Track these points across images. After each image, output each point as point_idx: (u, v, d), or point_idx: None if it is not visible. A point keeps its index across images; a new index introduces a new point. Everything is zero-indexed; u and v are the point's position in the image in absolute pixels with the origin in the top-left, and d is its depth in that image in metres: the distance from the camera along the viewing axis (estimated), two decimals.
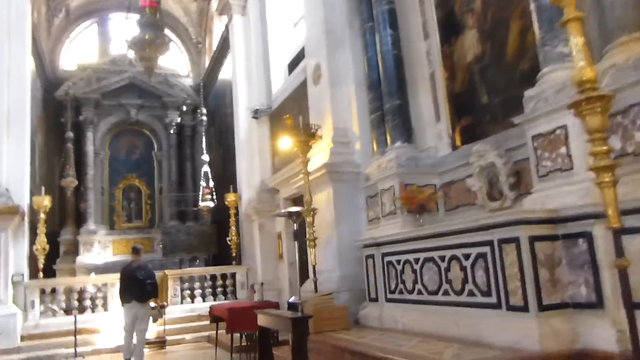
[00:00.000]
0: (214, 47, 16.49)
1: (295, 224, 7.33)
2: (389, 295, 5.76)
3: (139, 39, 7.76)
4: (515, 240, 3.84)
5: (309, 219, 6.90)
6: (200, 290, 11.14)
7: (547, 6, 4.22)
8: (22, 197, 9.79)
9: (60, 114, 16.38)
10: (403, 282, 5.44)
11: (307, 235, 6.89)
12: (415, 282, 5.21)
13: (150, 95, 17.56)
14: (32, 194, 10.63)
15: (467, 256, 4.41)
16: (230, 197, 11.99)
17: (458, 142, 6.35)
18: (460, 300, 4.54)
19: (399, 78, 6.69)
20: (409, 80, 6.81)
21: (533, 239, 3.78)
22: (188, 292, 11.07)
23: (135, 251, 7.88)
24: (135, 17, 8.56)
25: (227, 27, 13.61)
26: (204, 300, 10.99)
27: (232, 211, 11.99)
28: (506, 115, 5.51)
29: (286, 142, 7.81)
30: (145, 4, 7.79)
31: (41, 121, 14.85)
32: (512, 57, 5.48)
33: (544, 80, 4.19)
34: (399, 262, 5.48)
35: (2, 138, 9.69)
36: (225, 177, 14.36)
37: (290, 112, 9.13)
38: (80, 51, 18.50)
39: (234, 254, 11.92)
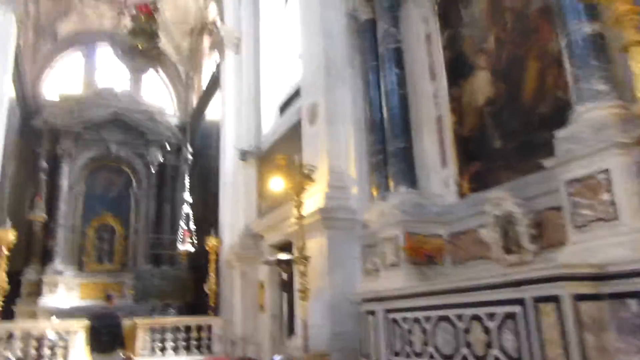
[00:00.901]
0: (203, 87, 16.16)
1: (284, 273, 6.70)
2: (393, 359, 5.07)
3: (131, 47, 7.16)
4: (555, 299, 3.28)
5: (301, 268, 6.27)
6: (172, 343, 10.19)
7: (581, 42, 3.85)
8: None
9: (36, 144, 15.60)
10: (410, 343, 4.79)
11: (299, 286, 6.23)
12: (425, 343, 4.57)
13: (133, 132, 16.97)
14: None
15: (491, 316, 3.82)
16: (211, 241, 11.25)
17: (466, 190, 5.87)
18: None
19: (404, 119, 6.27)
20: (414, 123, 6.40)
21: (577, 298, 3.23)
22: (159, 344, 10.10)
23: (108, 298, 7.38)
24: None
25: (218, 65, 13.29)
26: (175, 354, 10.04)
27: (212, 257, 11.22)
28: (522, 161, 5.09)
29: (278, 184, 7.28)
30: (141, 9, 7.31)
31: (15, 149, 14.09)
32: (530, 99, 5.10)
33: (579, 120, 3.76)
34: (405, 320, 4.84)
35: None
36: (206, 221, 13.62)
37: (281, 155, 8.63)
38: (64, 80, 17.97)
39: (211, 303, 11.05)
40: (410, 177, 6.07)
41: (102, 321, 7.11)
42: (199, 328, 10.59)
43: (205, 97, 15.64)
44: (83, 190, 16.71)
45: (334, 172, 7.30)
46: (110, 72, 18.42)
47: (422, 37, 6.67)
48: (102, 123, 16.71)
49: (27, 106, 15.55)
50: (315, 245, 6.92)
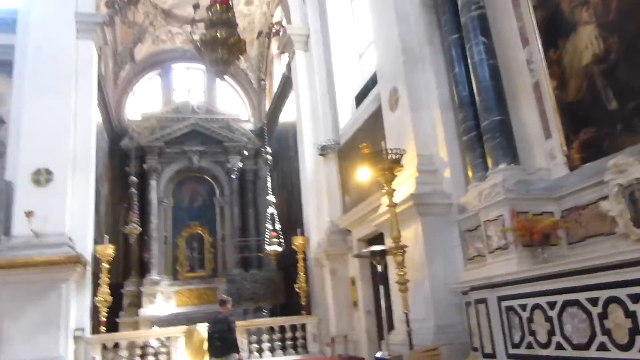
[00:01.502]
0: (274, 90, 16.25)
1: (379, 266, 6.40)
2: (511, 350, 4.62)
3: (210, 38, 7.10)
4: None
5: (397, 258, 5.94)
6: (268, 344, 10.21)
7: None
8: (85, 246, 9.41)
9: (125, 164, 16.42)
10: (533, 333, 4.31)
11: (396, 278, 5.91)
12: (551, 333, 4.09)
13: (211, 141, 17.42)
14: (95, 243, 10.27)
15: (636, 297, 3.30)
16: (297, 241, 11.18)
17: (577, 160, 5.27)
18: (628, 357, 3.39)
19: (497, 90, 5.77)
20: (507, 94, 5.88)
21: None
22: (255, 345, 10.16)
23: (221, 303, 7.78)
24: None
25: (288, 65, 13.26)
26: (272, 355, 10.04)
27: (300, 256, 11.15)
28: None
29: (365, 174, 7.01)
30: (215, 1, 7.28)
31: (107, 171, 14.87)
32: None
33: None
34: (524, 307, 4.38)
35: (67, 186, 9.43)
36: (290, 221, 13.64)
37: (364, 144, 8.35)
38: (144, 101, 18.81)
39: (303, 303, 10.98)
40: (510, 151, 5.56)
41: (215, 326, 7.25)
42: (294, 328, 10.54)
43: (278, 99, 15.70)
44: (171, 202, 17.37)
45: (423, 156, 6.92)
46: (186, 87, 19.03)
47: (508, 1, 6.12)
48: (182, 137, 17.29)
49: (113, 129, 16.39)
50: (410, 235, 6.57)
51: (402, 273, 5.85)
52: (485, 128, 5.76)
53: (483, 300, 4.93)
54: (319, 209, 11.16)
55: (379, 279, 6.41)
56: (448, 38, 6.60)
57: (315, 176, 11.42)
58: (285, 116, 15.18)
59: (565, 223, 4.95)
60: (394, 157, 6.13)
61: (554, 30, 5.57)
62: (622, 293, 3.38)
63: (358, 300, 9.68)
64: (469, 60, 6.07)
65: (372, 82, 9.40)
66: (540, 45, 5.74)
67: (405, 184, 6.90)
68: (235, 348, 7.42)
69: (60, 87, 9.98)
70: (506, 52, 6.03)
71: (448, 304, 6.19)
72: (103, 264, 9.96)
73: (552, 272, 4.08)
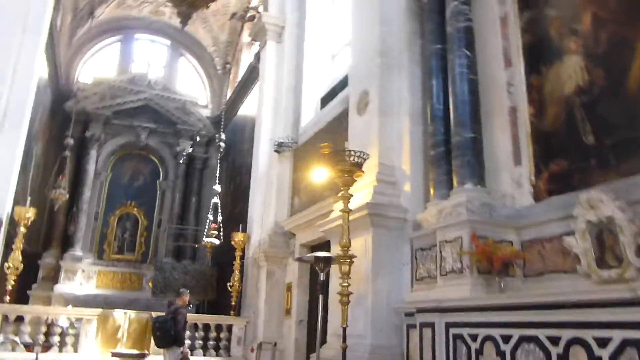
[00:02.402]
0: (239, 79, 15.65)
1: (322, 274, 5.96)
2: None
3: None
4: None
5: (343, 268, 5.51)
6: (188, 341, 9.51)
7: None
8: (2, 204, 8.46)
9: (65, 126, 15.26)
10: None
11: (338, 289, 5.48)
12: None
13: (164, 121, 16.55)
14: (17, 204, 9.31)
15: (602, 342, 3.01)
16: (237, 237, 10.61)
17: (543, 191, 5.06)
18: None
19: (473, 107, 5.51)
20: (482, 113, 5.63)
21: None
22: None
23: (178, 294, 7.77)
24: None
25: (257, 55, 12.73)
26: (190, 354, 9.35)
27: (238, 253, 10.56)
28: (624, 160, 4.29)
29: (321, 174, 6.58)
30: None
31: (45, 130, 13.73)
32: (637, 87, 4.29)
33: None
34: (474, 337, 4.05)
35: None
36: (233, 217, 13.03)
37: (320, 150, 7.96)
38: (98, 66, 17.69)
39: (233, 303, 10.38)
40: (478, 172, 5.30)
41: (161, 316, 7.33)
42: (219, 328, 9.93)
43: (241, 89, 15.11)
44: (109, 177, 16.32)
45: (385, 165, 6.57)
46: (147, 61, 18.08)
47: (496, 19, 5.91)
48: (133, 110, 16.36)
49: (59, 88, 15.23)
50: (359, 245, 6.18)
51: (346, 284, 5.43)
52: (455, 144, 5.47)
53: (430, 325, 4.58)
54: (266, 208, 10.64)
55: (319, 288, 5.95)
56: (430, 47, 6.32)
57: (267, 173, 10.90)
58: (246, 108, 14.62)
59: (526, 254, 4.69)
60: (356, 159, 5.74)
61: (539, 56, 5.38)
62: (587, 335, 3.09)
63: (291, 307, 9.20)
64: (449, 73, 5.80)
65: (341, 85, 9.06)
66: (522, 69, 5.54)
67: (362, 191, 6.52)
68: (177, 341, 7.15)
69: (3, 29, 9.04)
70: (487, 70, 5.80)
71: (388, 323, 5.83)
72: (20, 227, 9.01)
73: (510, 303, 3.78)
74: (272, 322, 9.46)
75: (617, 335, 2.91)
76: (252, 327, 9.86)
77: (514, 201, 5.28)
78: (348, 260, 5.49)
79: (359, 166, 5.77)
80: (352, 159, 5.73)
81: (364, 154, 5.71)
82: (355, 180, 5.84)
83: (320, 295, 6.10)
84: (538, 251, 4.76)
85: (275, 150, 10.47)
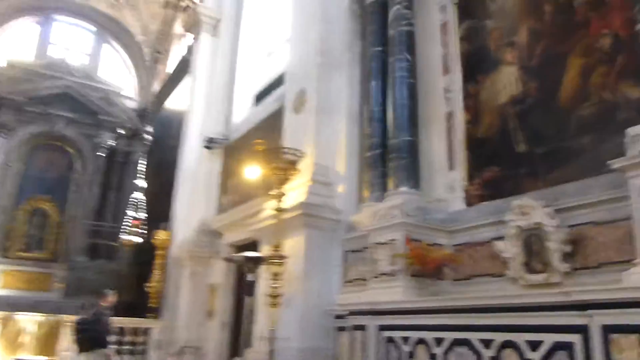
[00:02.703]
0: (168, 71, 14.99)
1: (251, 274, 5.74)
2: None
3: None
4: (638, 330, 2.53)
5: (275, 269, 5.32)
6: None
7: None
8: None
9: None
10: None
11: (268, 291, 5.28)
12: None
13: (84, 110, 15.48)
14: None
15: (534, 345, 3.03)
16: (160, 235, 10.07)
17: (475, 197, 5.16)
18: None
19: (411, 110, 5.52)
20: (420, 118, 5.66)
21: None
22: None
23: (100, 295, 7.35)
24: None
25: (190, 47, 12.23)
26: None
27: (159, 252, 10.02)
28: (554, 169, 4.44)
29: (254, 172, 6.34)
30: None
31: None
32: (568, 100, 4.46)
33: None
34: (406, 340, 3.99)
35: None
36: (156, 215, 12.38)
37: (253, 147, 7.72)
38: (13, 48, 16.28)
39: (152, 305, 9.82)
40: (414, 175, 5.30)
41: (82, 318, 6.93)
42: (135, 331, 9.34)
43: (170, 82, 14.46)
44: (19, 168, 15.02)
45: (320, 165, 6.45)
46: (66, 45, 16.89)
47: (437, 26, 5.99)
48: (50, 97, 15.17)
49: None
50: (291, 246, 5.99)
51: (276, 285, 5.24)
52: (392, 147, 5.45)
53: (361, 327, 4.48)
54: (192, 206, 10.18)
55: (247, 290, 5.73)
56: (370, 49, 6.29)
57: (194, 169, 10.45)
58: (175, 102, 14.01)
59: (457, 258, 4.73)
60: (292, 157, 5.58)
61: (476, 64, 5.50)
62: (519, 338, 3.10)
63: (215, 309, 8.84)
64: (389, 76, 5.78)
65: (277, 83, 8.88)
66: (460, 76, 5.64)
67: (295, 191, 6.35)
68: (103, 344, 6.79)
69: None
70: (426, 76, 5.85)
71: (318, 326, 5.69)
72: None
73: (444, 306, 3.75)
74: (193, 325, 9.03)
75: (548, 339, 2.94)
76: (172, 331, 9.37)
77: (448, 205, 5.33)
78: (279, 261, 5.31)
79: (294, 164, 5.63)
80: (287, 156, 5.58)
81: (299, 152, 5.58)
82: (290, 179, 5.69)
83: (248, 297, 5.89)
84: (468, 255, 4.82)
85: (205, 147, 10.06)
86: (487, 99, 5.30)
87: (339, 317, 5.33)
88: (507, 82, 5.11)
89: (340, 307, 5.02)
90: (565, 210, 4.01)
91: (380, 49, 6.18)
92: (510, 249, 4.30)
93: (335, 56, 6.88)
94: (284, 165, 5.54)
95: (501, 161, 4.96)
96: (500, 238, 4.46)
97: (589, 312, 2.72)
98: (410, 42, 5.72)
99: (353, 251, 5.69)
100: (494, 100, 5.19)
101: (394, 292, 4.61)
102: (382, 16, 6.28)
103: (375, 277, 5.02)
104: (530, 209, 4.17)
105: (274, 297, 5.23)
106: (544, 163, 4.53)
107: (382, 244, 5.06)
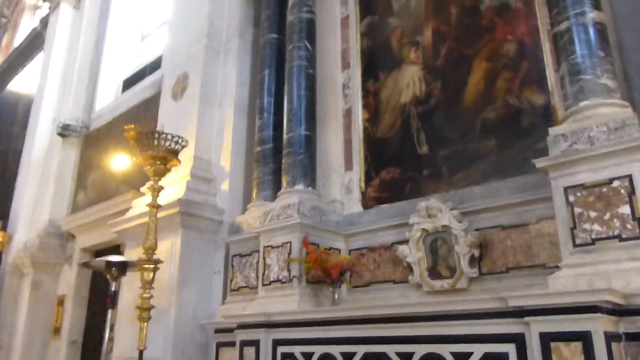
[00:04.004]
0: (14, 46, 12.89)
1: (114, 283, 4.84)
2: None
3: None
4: (581, 337, 2.33)
5: (146, 276, 4.49)
6: None
7: (587, 28, 3.19)
8: None
9: None
10: None
11: (140, 302, 4.42)
12: None
13: None
14: None
15: (462, 357, 2.73)
16: None
17: (373, 200, 4.89)
18: None
19: (310, 103, 5.08)
20: (318, 113, 5.25)
21: (609, 338, 2.33)
22: None
23: None
24: None
25: (45, 19, 10.55)
26: None
27: None
28: (457, 171, 4.32)
29: (123, 161, 5.40)
30: None
31: None
32: (472, 103, 4.38)
33: (585, 115, 3.03)
34: (309, 356, 3.48)
35: None
36: None
37: (120, 137, 6.72)
38: None
39: None
40: (311, 173, 4.85)
41: None
42: None
43: (16, 58, 12.41)
44: None
45: (201, 159, 5.75)
46: None
47: (337, 19, 5.69)
48: None
49: None
50: (164, 249, 5.16)
51: (148, 296, 4.41)
52: (288, 141, 4.95)
53: (252, 343, 3.87)
54: (38, 203, 8.64)
55: (109, 301, 4.79)
56: (265, 36, 5.76)
57: (44, 160, 8.91)
58: (20, 82, 12.05)
59: (361, 263, 4.38)
60: (173, 145, 4.81)
61: (377, 62, 5.27)
62: (444, 350, 2.78)
63: (63, 326, 7.50)
64: (286, 65, 5.29)
65: (153, 68, 7.94)
66: (359, 73, 5.38)
67: (171, 187, 5.56)
68: None
69: None
70: (325, 69, 5.48)
71: (194, 342, 4.97)
72: None
73: (353, 316, 3.33)
74: (34, 345, 7.55)
75: (478, 350, 2.66)
76: (7, 353, 7.76)
77: (344, 207, 4.99)
78: (152, 266, 4.50)
79: (175, 154, 4.86)
80: (167, 144, 4.79)
81: (183, 140, 4.83)
82: (169, 170, 4.91)
83: (108, 310, 4.96)
84: (367, 260, 4.51)
85: (60, 134, 8.63)
86: (388, 98, 5.08)
87: (221, 331, 4.67)
88: (410, 81, 4.94)
89: (225, 319, 4.37)
90: (472, 214, 3.88)
91: (275, 36, 5.70)
92: (415, 253, 4.07)
93: (223, 41, 6.26)
94: (163, 154, 4.74)
95: (402, 162, 4.75)
96: (402, 242, 4.22)
97: (526, 319, 2.47)
98: (311, 31, 5.30)
99: (240, 255, 5.07)
100: (396, 99, 5.00)
101: (288, 301, 4.10)
102: (279, 2, 5.82)
103: (266, 285, 4.47)
104: (437, 211, 3.98)
105: (144, 310, 4.39)
106: (447, 165, 4.40)
107: (275, 247, 4.53)
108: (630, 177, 2.72)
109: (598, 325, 2.30)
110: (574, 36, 3.21)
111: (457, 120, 4.44)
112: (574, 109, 3.11)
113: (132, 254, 5.36)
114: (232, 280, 5.08)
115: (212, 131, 5.91)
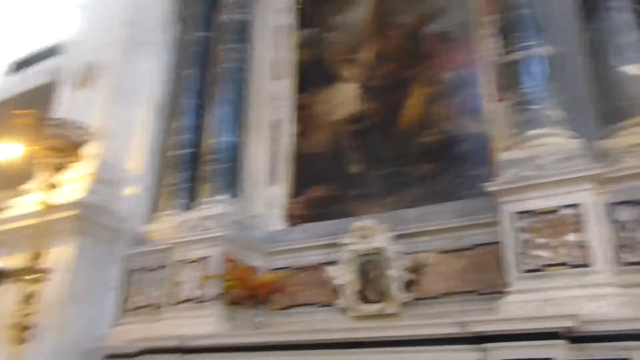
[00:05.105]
0: None
1: None
2: None
3: None
4: None
5: (30, 288, 3.79)
6: None
7: (536, 59, 3.27)
8: None
9: None
10: None
11: (17, 319, 3.69)
12: None
13: None
14: None
15: None
16: None
17: (298, 217, 4.63)
18: None
19: (238, 109, 4.74)
20: (245, 121, 4.91)
21: None
22: None
23: None
24: None
25: None
26: None
27: None
28: (390, 193, 4.22)
29: (13, 150, 4.58)
30: None
31: None
32: (409, 126, 4.35)
33: (534, 143, 3.06)
34: None
35: None
36: None
37: (3, 123, 5.82)
38: None
39: None
40: (236, 183, 4.48)
41: None
42: None
43: None
44: None
45: (106, 159, 5.09)
46: None
47: (272, 26, 5.44)
48: None
49: None
50: (53, 259, 4.43)
51: (29, 312, 3.70)
52: (213, 147, 4.54)
53: None
54: None
55: None
56: (194, 34, 5.34)
57: None
58: None
59: (286, 283, 4.04)
60: (76, 137, 4.20)
61: (312, 75, 5.11)
62: None
63: None
64: (216, 67, 4.92)
65: (53, 52, 7.05)
66: (292, 84, 5.16)
67: (66, 187, 4.83)
68: None
69: None
70: (256, 76, 5.16)
71: None
72: None
73: (287, 341, 3.00)
74: None
75: None
76: None
77: (267, 223, 4.65)
78: (40, 276, 3.81)
79: (75, 148, 4.26)
80: (69, 134, 4.18)
81: (88, 132, 4.24)
82: (67, 167, 4.28)
83: None
84: (290, 281, 4.19)
85: None
86: (321, 113, 4.91)
87: (115, 356, 4.04)
88: (345, 98, 4.81)
89: (124, 342, 3.78)
90: (407, 237, 3.76)
91: (205, 34, 5.31)
92: (344, 276, 3.84)
93: (144, 33, 5.70)
94: (63, 145, 4.11)
95: (332, 180, 4.56)
96: (329, 263, 3.99)
97: (484, 345, 2.33)
98: (245, 33, 5.01)
99: (144, 269, 4.49)
100: (329, 115, 4.84)
101: (203, 323, 3.64)
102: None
103: (176, 304, 3.96)
104: (372, 232, 3.81)
105: (22, 329, 3.66)
106: (381, 186, 4.28)
107: (191, 261, 4.06)
108: (578, 206, 2.75)
109: (559, 352, 2.22)
110: (523, 67, 3.28)
111: (393, 142, 4.37)
112: (521, 137, 3.14)
113: (8, 262, 4.53)
114: (129, 298, 4.46)
115: (123, 129, 5.28)
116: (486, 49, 4.03)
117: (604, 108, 3.09)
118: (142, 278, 4.51)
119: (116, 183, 5.08)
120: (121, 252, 4.73)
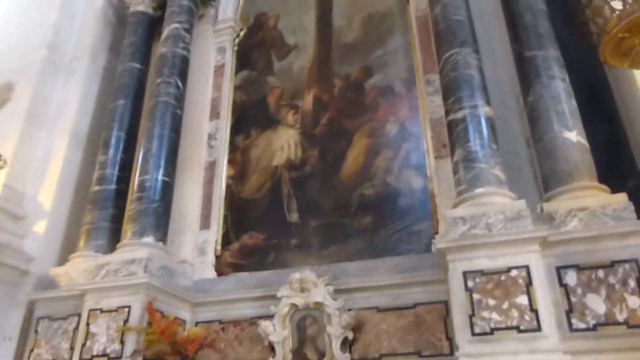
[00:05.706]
0: None
1: None
2: None
3: None
4: None
5: None
6: None
7: (481, 120, 3.36)
8: None
9: None
10: None
11: None
12: None
13: None
14: None
15: None
16: None
17: (229, 266, 4.35)
18: None
19: (172, 146, 4.43)
20: (178, 160, 4.60)
21: None
22: None
23: None
24: None
25: None
26: None
27: None
28: (329, 245, 4.09)
29: None
30: None
31: None
32: (350, 177, 4.30)
33: (482, 201, 3.08)
34: None
35: None
36: None
37: None
38: None
39: None
40: (164, 226, 4.13)
41: None
42: None
43: None
44: None
45: (13, 190, 4.53)
46: None
47: (212, 65, 5.28)
48: None
49: None
50: None
51: None
52: (140, 185, 4.17)
53: None
54: None
55: None
56: (126, 63, 5.02)
57: None
58: None
59: (218, 339, 3.70)
60: None
61: (250, 117, 4.98)
62: None
63: None
64: (150, 100, 4.62)
65: None
66: (229, 125, 4.99)
67: None
68: None
69: None
70: (192, 114, 4.94)
71: None
72: None
73: None
74: None
75: None
76: None
77: (194, 270, 4.31)
78: None
79: None
80: None
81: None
82: None
83: None
84: (221, 336, 3.86)
85: None
86: (258, 157, 4.74)
87: None
88: (285, 144, 4.70)
89: None
90: (347, 292, 3.62)
91: (138, 66, 5.02)
92: (280, 331, 3.60)
93: (68, 59, 5.32)
94: None
95: (268, 228, 4.36)
96: (265, 317, 3.73)
97: None
98: (183, 69, 4.78)
99: (49, 318, 3.94)
100: (267, 160, 4.69)
101: None
102: (147, 31, 5.27)
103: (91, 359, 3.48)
104: (312, 285, 3.63)
105: None
106: (319, 237, 4.15)
107: (107, 311, 3.61)
108: (527, 268, 2.77)
109: None
110: (469, 125, 3.34)
111: (333, 192, 4.29)
112: (469, 194, 3.16)
113: None
114: (32, 350, 3.88)
115: (34, 158, 4.77)
116: (429, 105, 4.12)
117: (545, 171, 3.21)
118: (49, 328, 3.95)
119: (23, 218, 4.52)
120: (25, 296, 4.14)
